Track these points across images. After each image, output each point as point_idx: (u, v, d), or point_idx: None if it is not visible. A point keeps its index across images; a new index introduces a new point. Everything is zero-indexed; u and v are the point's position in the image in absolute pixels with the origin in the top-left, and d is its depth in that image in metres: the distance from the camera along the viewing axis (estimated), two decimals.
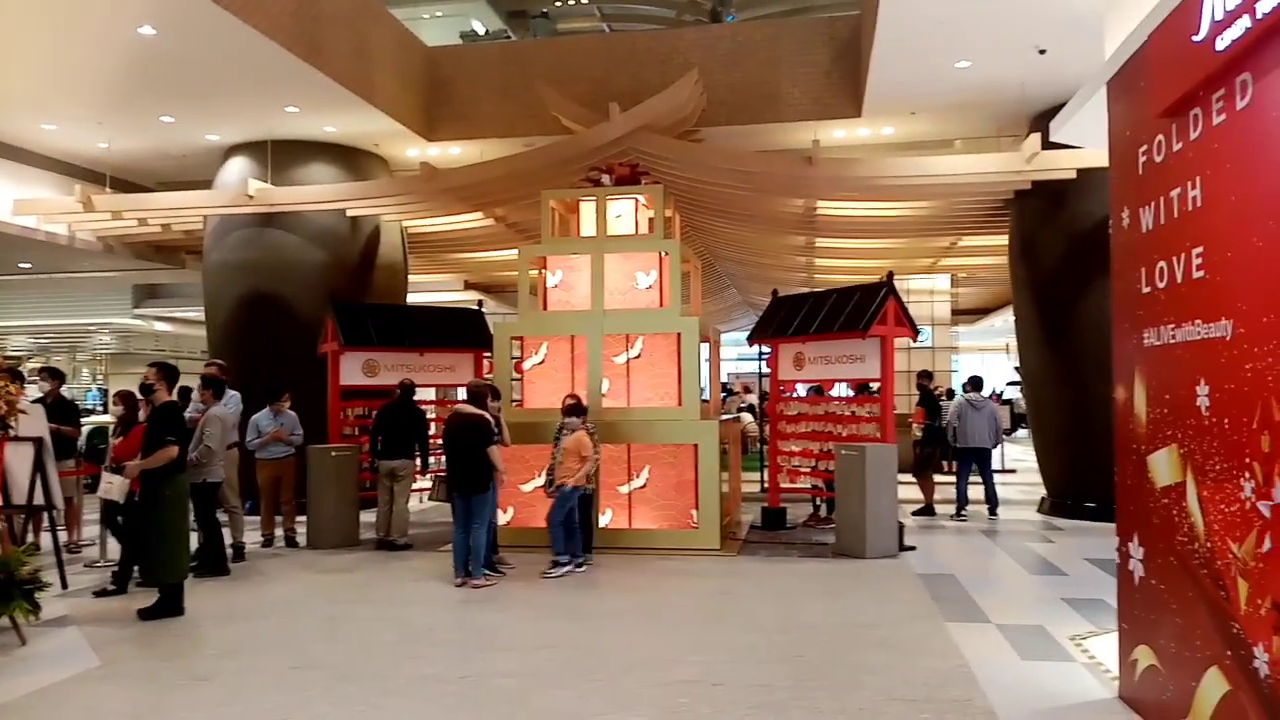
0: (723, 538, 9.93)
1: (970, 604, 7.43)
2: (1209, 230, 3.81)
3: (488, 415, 8.47)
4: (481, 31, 18.00)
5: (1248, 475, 3.44)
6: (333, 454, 10.45)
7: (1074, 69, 10.70)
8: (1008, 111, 12.33)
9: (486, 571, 8.39)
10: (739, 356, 34.23)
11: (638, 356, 10.58)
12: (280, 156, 13.41)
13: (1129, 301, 4.80)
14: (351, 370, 11.38)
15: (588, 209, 11.08)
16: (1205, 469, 3.82)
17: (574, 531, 8.81)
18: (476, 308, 12.66)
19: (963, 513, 12.03)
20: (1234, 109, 3.61)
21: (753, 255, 18.39)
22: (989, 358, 35.91)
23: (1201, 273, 3.88)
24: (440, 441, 9.68)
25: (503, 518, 9.89)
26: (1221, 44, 3.57)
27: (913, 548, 9.77)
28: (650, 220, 11.06)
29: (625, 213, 11.14)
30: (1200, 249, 3.88)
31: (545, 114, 12.72)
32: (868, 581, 8.32)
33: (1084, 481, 11.81)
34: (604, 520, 10.09)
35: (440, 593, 8.03)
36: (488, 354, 11.90)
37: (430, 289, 19.51)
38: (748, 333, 12.30)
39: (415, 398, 10.72)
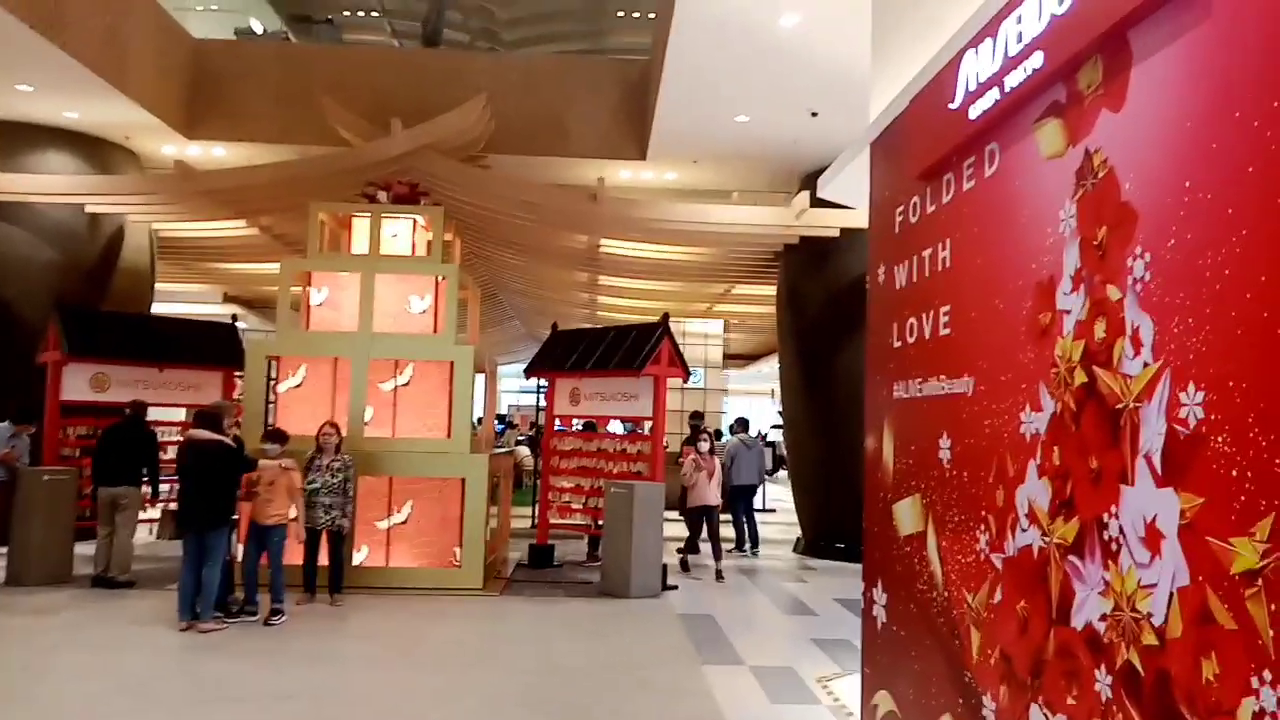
0: (487, 576, 9.58)
1: (726, 645, 7.50)
2: (956, 290, 4.00)
3: (228, 440, 7.72)
4: (259, 31, 16.93)
5: (983, 528, 3.59)
6: (45, 477, 9.18)
7: (842, 133, 11.37)
8: (781, 168, 12.94)
9: (218, 614, 7.60)
10: (520, 389, 33.98)
11: (406, 384, 10.10)
12: (9, 141, 11.90)
13: (881, 355, 4.99)
14: (77, 384, 10.15)
15: (360, 225, 10.52)
16: (945, 519, 3.97)
17: (253, 574, 8.02)
18: (230, 322, 11.67)
19: (744, 546, 12.41)
20: (983, 175, 3.81)
21: (537, 288, 18.27)
22: (756, 401, 37.60)
23: (948, 330, 4.06)
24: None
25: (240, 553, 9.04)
26: (974, 113, 3.77)
27: (675, 587, 9.83)
28: (429, 243, 10.65)
29: (402, 233, 10.67)
30: (948, 307, 4.06)
31: (323, 123, 12.06)
32: (630, 622, 8.24)
33: (836, 523, 12.41)
34: (359, 558, 9.47)
35: (163, 638, 7.17)
36: (240, 373, 10.97)
37: (183, 299, 17.93)
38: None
39: (151, 418, 9.69)
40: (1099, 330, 2.87)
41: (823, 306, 12.57)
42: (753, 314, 20.71)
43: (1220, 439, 2.33)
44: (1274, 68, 2.25)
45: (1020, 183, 3.48)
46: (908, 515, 4.40)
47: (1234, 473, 2.27)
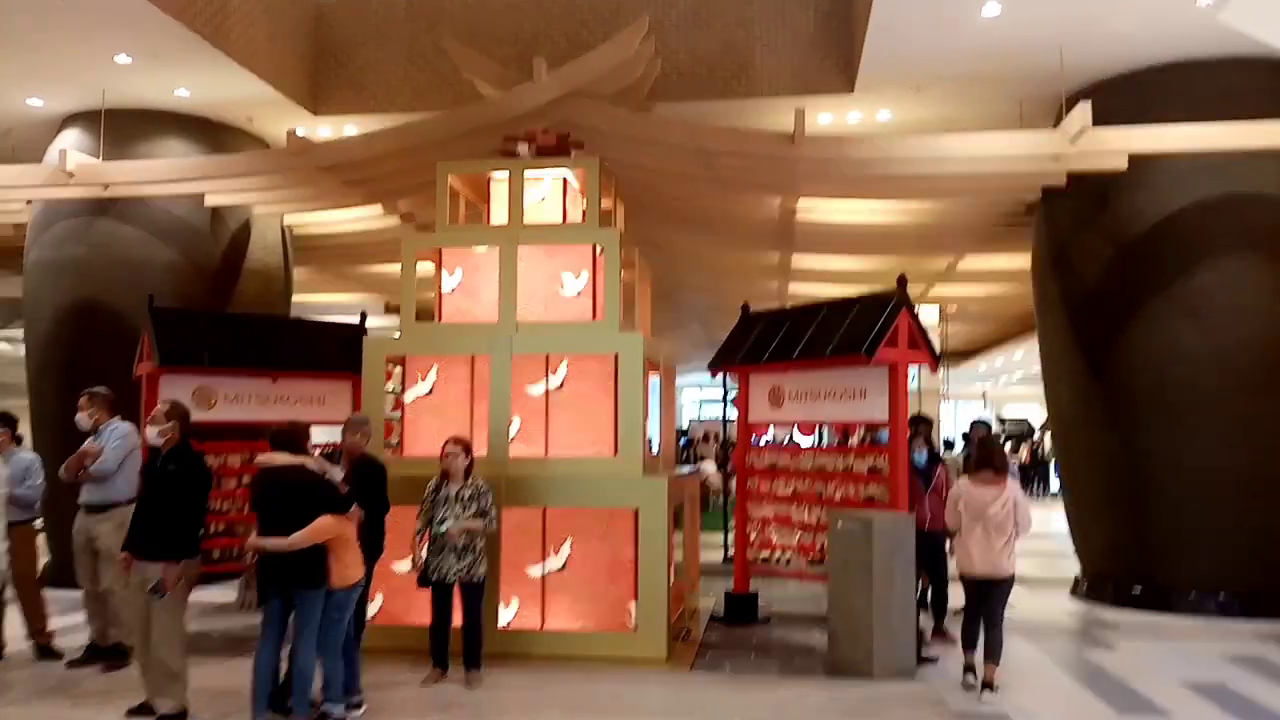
0: (672, 638, 7.13)
1: None
2: None
3: (311, 465, 5.60)
4: None
5: None
6: None
7: (1135, 24, 8.32)
8: (1036, 90, 9.77)
9: (328, 709, 5.44)
10: (702, 401, 31.75)
11: (560, 387, 7.82)
12: (120, 129, 10.52)
13: None
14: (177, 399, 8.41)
15: (500, 191, 8.37)
16: None
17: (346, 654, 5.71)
18: (358, 321, 9.76)
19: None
20: None
21: (717, 277, 15.80)
22: (964, 405, 33.60)
23: None
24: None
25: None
26: None
27: (934, 659, 7.03)
28: (583, 211, 8.38)
29: (550, 195, 8.46)
30: None
31: (461, 82, 10.08)
32: None
33: (1130, 557, 9.21)
34: (505, 617, 7.22)
35: None
36: None
37: (337, 311, 16.49)
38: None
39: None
40: None
41: (1105, 264, 9.36)
42: (976, 297, 17.45)
43: None
44: None
45: None
46: None
47: None
